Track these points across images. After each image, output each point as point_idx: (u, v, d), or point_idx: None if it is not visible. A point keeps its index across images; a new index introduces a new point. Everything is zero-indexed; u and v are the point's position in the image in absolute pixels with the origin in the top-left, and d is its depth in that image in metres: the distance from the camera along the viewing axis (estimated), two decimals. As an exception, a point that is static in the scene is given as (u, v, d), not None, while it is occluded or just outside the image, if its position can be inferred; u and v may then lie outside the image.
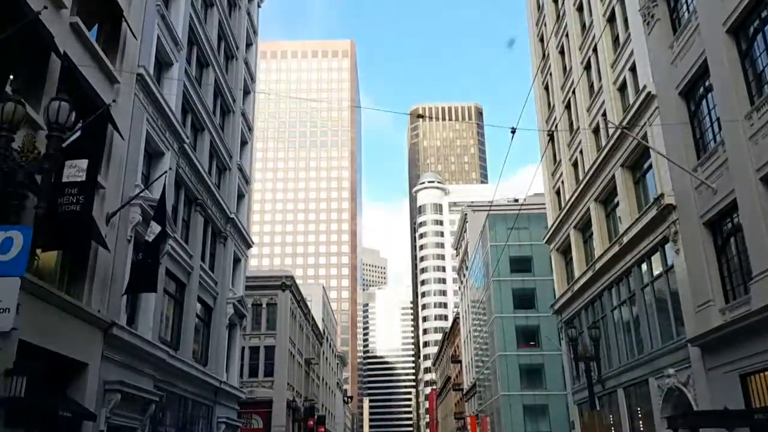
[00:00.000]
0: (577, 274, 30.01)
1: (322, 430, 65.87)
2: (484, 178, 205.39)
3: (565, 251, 32.90)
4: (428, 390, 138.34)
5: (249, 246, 34.50)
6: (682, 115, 19.64)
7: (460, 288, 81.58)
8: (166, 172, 19.60)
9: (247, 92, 34.60)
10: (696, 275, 18.49)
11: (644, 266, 22.91)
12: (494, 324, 51.72)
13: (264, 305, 51.32)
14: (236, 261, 32.98)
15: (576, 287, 29.56)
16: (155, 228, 17.23)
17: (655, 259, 21.99)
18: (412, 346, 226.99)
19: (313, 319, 66.31)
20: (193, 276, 25.53)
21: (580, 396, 30.21)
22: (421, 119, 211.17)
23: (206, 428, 26.93)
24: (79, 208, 13.54)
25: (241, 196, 33.60)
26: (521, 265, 52.91)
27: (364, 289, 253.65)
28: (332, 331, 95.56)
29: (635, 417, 23.90)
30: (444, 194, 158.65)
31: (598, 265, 26.51)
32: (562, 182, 32.23)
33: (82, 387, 16.08)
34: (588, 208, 28.02)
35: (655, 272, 22.05)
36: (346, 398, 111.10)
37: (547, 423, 48.48)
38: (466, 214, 69.94)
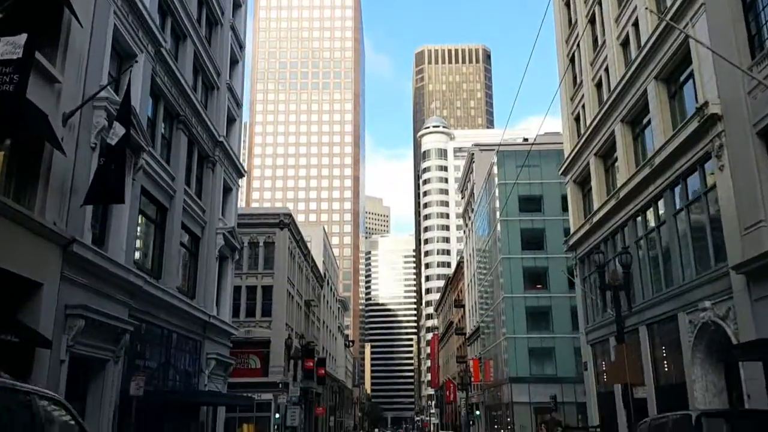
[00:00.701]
0: (596, 205, 27.63)
1: (323, 372, 64.81)
2: (490, 124, 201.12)
3: (583, 182, 30.45)
4: (430, 335, 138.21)
5: (241, 175, 32.06)
6: (735, 11, 16.85)
7: (464, 232, 79.51)
8: (131, 65, 16.97)
9: (237, 5, 31.58)
10: (745, 193, 16.04)
11: (678, 190, 20.47)
12: (501, 265, 49.69)
13: (261, 244, 49.29)
14: (227, 190, 30.59)
15: (595, 219, 27.22)
16: (119, 129, 14.76)
17: (693, 180, 19.51)
18: (414, 294, 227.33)
19: (313, 260, 64.46)
20: (176, 200, 23.19)
21: (594, 335, 28.27)
22: (426, 63, 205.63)
23: (194, 364, 25.05)
24: (12, 89, 11.10)
25: (231, 120, 30.97)
26: (530, 204, 50.53)
27: (366, 237, 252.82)
28: (333, 276, 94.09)
29: (659, 356, 21.87)
30: (449, 139, 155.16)
31: (622, 193, 24.08)
32: (583, 106, 29.53)
33: (35, 310, 13.90)
34: (612, 131, 25.42)
35: (692, 195, 19.61)
36: (347, 342, 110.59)
37: (553, 366, 46.96)
38: (473, 154, 67.22)
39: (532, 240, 49.49)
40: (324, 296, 76.90)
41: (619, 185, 24.87)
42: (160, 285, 21.53)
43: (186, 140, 24.31)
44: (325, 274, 76.48)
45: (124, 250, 18.36)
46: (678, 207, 20.50)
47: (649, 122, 22.86)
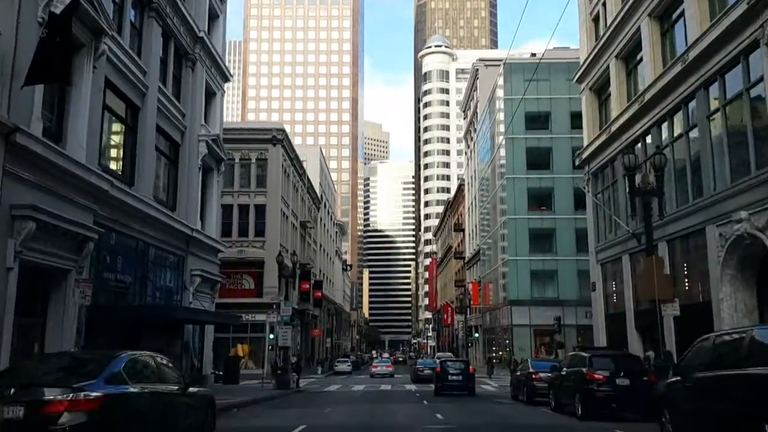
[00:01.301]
0: (614, 113, 25.24)
1: (319, 294, 63.87)
2: (494, 45, 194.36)
3: (601, 89, 27.94)
4: (428, 261, 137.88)
5: (227, 79, 29.46)
6: None
7: (465, 154, 77.07)
8: None
9: None
10: (802, 84, 13.71)
11: (714, 88, 18.08)
12: (504, 186, 47.61)
13: (253, 161, 47.00)
14: (210, 95, 28.09)
15: (613, 128, 24.89)
16: (63, -6, 12.27)
17: (733, 76, 17.11)
18: (413, 220, 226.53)
19: (309, 181, 62.32)
20: (149, 99, 20.80)
21: (605, 254, 26.49)
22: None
23: (176, 280, 23.31)
24: None
25: (213, 16, 28.08)
26: (537, 121, 48.00)
27: (365, 163, 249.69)
28: (331, 199, 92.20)
29: (680, 275, 20.04)
30: (451, 60, 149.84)
31: (647, 96, 21.68)
32: (603, 4, 26.67)
33: (-32, 207, 11.90)
34: (637, 29, 22.76)
35: (731, 93, 17.26)
36: (345, 266, 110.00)
37: (555, 289, 45.66)
38: (477, 70, 63.93)
39: (538, 159, 47.23)
40: (321, 219, 75.24)
41: (643, 88, 22.43)
42: (133, 192, 19.47)
43: (159, 31, 21.69)
44: (322, 196, 74.52)
45: (84, 147, 16.17)
46: (713, 108, 18.18)
47: (680, 15, 20.23)
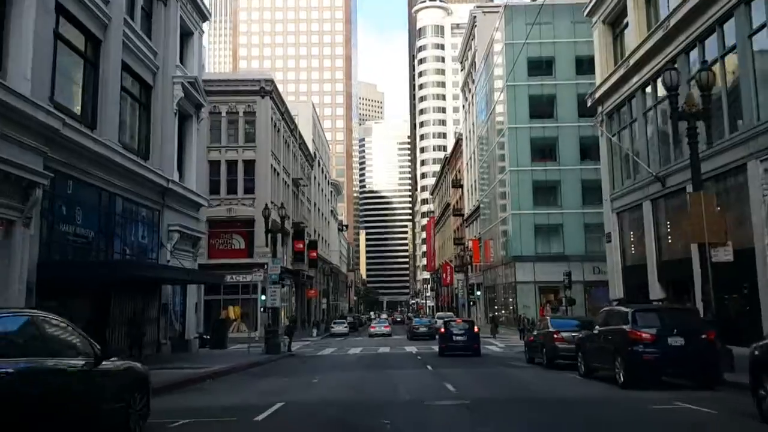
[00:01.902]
0: (633, 44, 22.76)
1: (314, 254, 61.94)
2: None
3: (615, 21, 25.40)
4: (425, 221, 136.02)
5: (204, 17, 26.80)
6: None
7: (463, 107, 74.27)
8: None
9: None
10: None
11: (759, 3, 15.64)
12: (506, 136, 45.18)
13: (241, 114, 44.39)
14: (186, 34, 25.50)
15: (632, 60, 22.44)
16: None
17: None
18: (409, 181, 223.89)
19: (301, 136, 59.75)
20: (113, 31, 18.27)
21: (622, 202, 24.34)
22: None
23: (151, 236, 21.12)
24: None
25: (188, -57, 25.26)
26: (540, 68, 45.29)
27: (360, 124, 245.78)
28: (325, 157, 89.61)
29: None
30: (446, 14, 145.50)
31: (672, 21, 19.20)
32: None
33: None
34: (662, -56, 20.14)
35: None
36: (341, 226, 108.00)
37: (560, 243, 43.62)
38: (474, 18, 60.76)
39: (541, 108, 44.70)
40: (315, 178, 72.84)
41: (666, 14, 19.96)
42: (96, 136, 17.14)
43: (121, -46, 19.07)
44: (315, 153, 71.99)
45: (29, 79, 13.83)
46: (755, 26, 15.77)
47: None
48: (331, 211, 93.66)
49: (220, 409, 10.41)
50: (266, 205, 29.71)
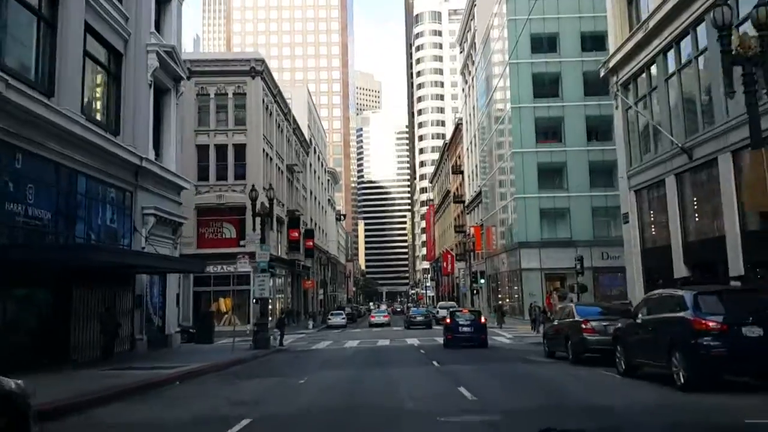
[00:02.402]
0: (651, 6, 20.64)
1: (311, 243, 59.99)
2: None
3: (631, -19, 23.26)
4: (424, 210, 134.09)
5: (183, -18, 24.63)
6: None
7: (463, 90, 72.02)
8: None
9: None
10: None
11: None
12: (510, 117, 43.04)
13: (230, 95, 42.25)
14: (164, 0, 23.37)
15: (651, 23, 20.33)
16: None
17: None
18: (408, 171, 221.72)
19: (295, 121, 57.59)
20: (73, -13, 16.19)
21: (641, 179, 22.30)
22: None
23: (121, 219, 19.04)
24: None
25: None
26: (544, 45, 43.09)
27: (357, 113, 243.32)
28: (321, 145, 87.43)
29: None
30: (443, 0, 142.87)
31: (702, -29, 17.09)
32: None
33: None
34: None
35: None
36: (338, 216, 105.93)
37: (567, 228, 41.60)
38: (474, -4, 58.51)
39: (547, 85, 42.54)
40: (311, 165, 70.71)
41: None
42: (52, 104, 15.05)
43: None
44: (311, 140, 69.81)
45: (-41, 32, 11.74)
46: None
47: None
48: (329, 200, 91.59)
49: (173, 425, 8.31)
50: (253, 186, 27.67)
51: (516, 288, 44.15)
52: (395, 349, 23.57)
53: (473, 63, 60.61)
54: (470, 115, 64.33)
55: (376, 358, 19.44)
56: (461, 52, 70.83)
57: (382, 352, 21.89)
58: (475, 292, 41.76)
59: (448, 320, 23.55)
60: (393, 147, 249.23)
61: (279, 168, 49.50)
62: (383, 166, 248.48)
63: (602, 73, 25.09)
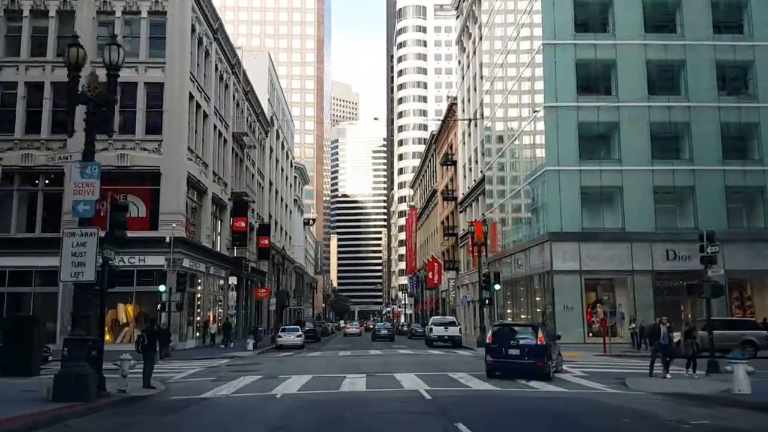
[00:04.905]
0: None
1: (266, 242, 47.17)
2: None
3: None
4: (402, 221, 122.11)
5: None
6: None
7: (459, 62, 60.09)
8: None
9: None
10: None
11: None
12: (540, 58, 30.95)
13: (144, 14, 29.64)
14: None
15: None
16: None
17: None
18: (383, 188, 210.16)
19: (247, 81, 45.00)
20: None
21: None
22: None
23: None
24: None
25: None
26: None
27: (333, 125, 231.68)
28: (287, 132, 74.83)
29: None
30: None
31: None
32: None
33: None
34: None
35: None
36: (307, 221, 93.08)
37: (618, 215, 29.62)
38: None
39: (591, 15, 30.84)
40: (272, 149, 58.07)
41: None
42: None
43: None
44: (272, 119, 57.22)
45: None
46: None
47: None
48: (295, 200, 78.87)
49: None
50: (74, 36, 14.73)
51: (540, 298, 31.87)
52: (378, 399, 11.05)
53: (476, 21, 48.68)
54: (468, 90, 52.40)
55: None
56: (458, 17, 58.98)
57: (351, 410, 9.48)
58: (486, 302, 29.33)
59: (489, 337, 15.67)
60: (369, 163, 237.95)
61: (219, 132, 36.84)
62: (359, 181, 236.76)
63: None
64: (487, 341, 15.45)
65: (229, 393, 12.13)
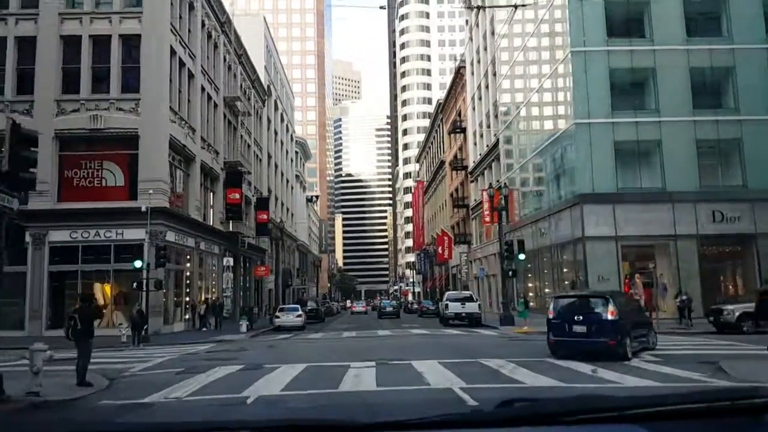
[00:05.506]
0: None
1: (265, 217, 44.03)
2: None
3: None
4: (408, 197, 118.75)
5: None
6: None
7: (467, 22, 56.36)
8: None
9: None
10: None
11: None
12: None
13: (116, -44, 26.21)
14: None
15: None
16: None
17: None
18: (388, 167, 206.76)
19: (240, 42, 41.50)
20: None
21: None
22: None
23: None
24: None
25: None
26: None
27: (335, 104, 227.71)
28: (287, 104, 71.31)
29: None
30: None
31: None
32: None
33: None
34: None
35: None
36: (310, 198, 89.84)
37: (658, 174, 26.25)
38: None
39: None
40: (269, 120, 54.67)
41: None
42: None
43: None
44: (269, 87, 53.74)
45: None
46: None
47: None
48: (297, 176, 75.55)
49: None
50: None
51: (568, 270, 28.63)
52: (393, 406, 7.84)
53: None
54: (477, 51, 48.75)
55: None
56: (465, -26, 55.07)
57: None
58: (510, 274, 26.14)
59: (550, 312, 13.15)
60: (373, 141, 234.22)
61: (209, 96, 33.48)
62: (363, 160, 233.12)
63: None
64: (549, 316, 12.99)
65: (184, 395, 8.92)
